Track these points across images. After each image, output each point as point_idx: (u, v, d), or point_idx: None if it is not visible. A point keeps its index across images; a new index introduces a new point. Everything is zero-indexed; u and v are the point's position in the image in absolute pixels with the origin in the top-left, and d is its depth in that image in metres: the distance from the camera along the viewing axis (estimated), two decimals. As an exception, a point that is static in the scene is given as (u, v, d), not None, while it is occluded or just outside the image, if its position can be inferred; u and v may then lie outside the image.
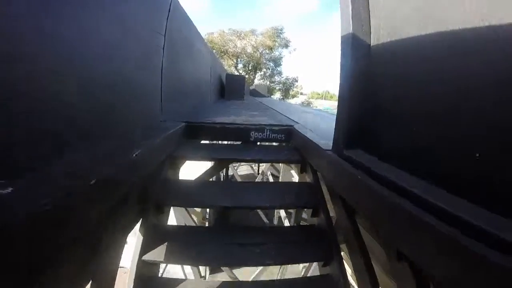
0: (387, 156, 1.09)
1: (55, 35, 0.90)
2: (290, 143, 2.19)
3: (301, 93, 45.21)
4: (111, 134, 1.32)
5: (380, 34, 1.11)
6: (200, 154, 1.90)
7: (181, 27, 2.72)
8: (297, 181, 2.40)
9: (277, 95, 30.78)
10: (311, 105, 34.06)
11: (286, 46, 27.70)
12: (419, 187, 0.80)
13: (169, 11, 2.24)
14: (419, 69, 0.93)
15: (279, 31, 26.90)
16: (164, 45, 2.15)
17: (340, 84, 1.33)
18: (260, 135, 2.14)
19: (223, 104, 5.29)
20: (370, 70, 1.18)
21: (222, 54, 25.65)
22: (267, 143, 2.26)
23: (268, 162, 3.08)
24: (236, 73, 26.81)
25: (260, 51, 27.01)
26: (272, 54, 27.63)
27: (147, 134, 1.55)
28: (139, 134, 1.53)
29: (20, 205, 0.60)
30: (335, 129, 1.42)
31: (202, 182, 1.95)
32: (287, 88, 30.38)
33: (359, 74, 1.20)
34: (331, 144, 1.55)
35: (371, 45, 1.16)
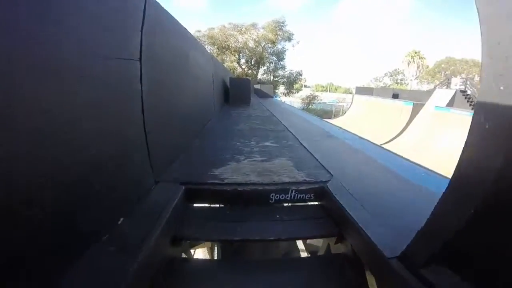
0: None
1: None
2: (320, 203, 1.57)
3: (305, 86, 43.96)
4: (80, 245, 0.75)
5: None
6: (207, 234, 1.35)
7: (166, 39, 1.99)
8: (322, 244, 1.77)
9: (281, 89, 29.88)
10: (317, 98, 32.93)
11: (289, 39, 26.54)
12: None
13: (143, 20, 1.48)
14: None
15: (281, 24, 25.71)
16: (141, 74, 1.48)
17: (455, 173, 0.68)
18: (282, 197, 1.51)
19: (227, 119, 4.62)
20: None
21: (224, 50, 24.78)
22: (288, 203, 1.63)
23: (297, 239, 2.46)
24: (239, 69, 26.01)
25: (262, 45, 25.95)
26: (275, 48, 26.53)
27: (135, 230, 1.01)
28: (123, 237, 0.96)
29: None
30: (420, 233, 0.81)
31: (210, 264, 1.53)
32: (291, 82, 29.38)
33: (498, 172, 0.56)
34: (383, 227, 1.04)
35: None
